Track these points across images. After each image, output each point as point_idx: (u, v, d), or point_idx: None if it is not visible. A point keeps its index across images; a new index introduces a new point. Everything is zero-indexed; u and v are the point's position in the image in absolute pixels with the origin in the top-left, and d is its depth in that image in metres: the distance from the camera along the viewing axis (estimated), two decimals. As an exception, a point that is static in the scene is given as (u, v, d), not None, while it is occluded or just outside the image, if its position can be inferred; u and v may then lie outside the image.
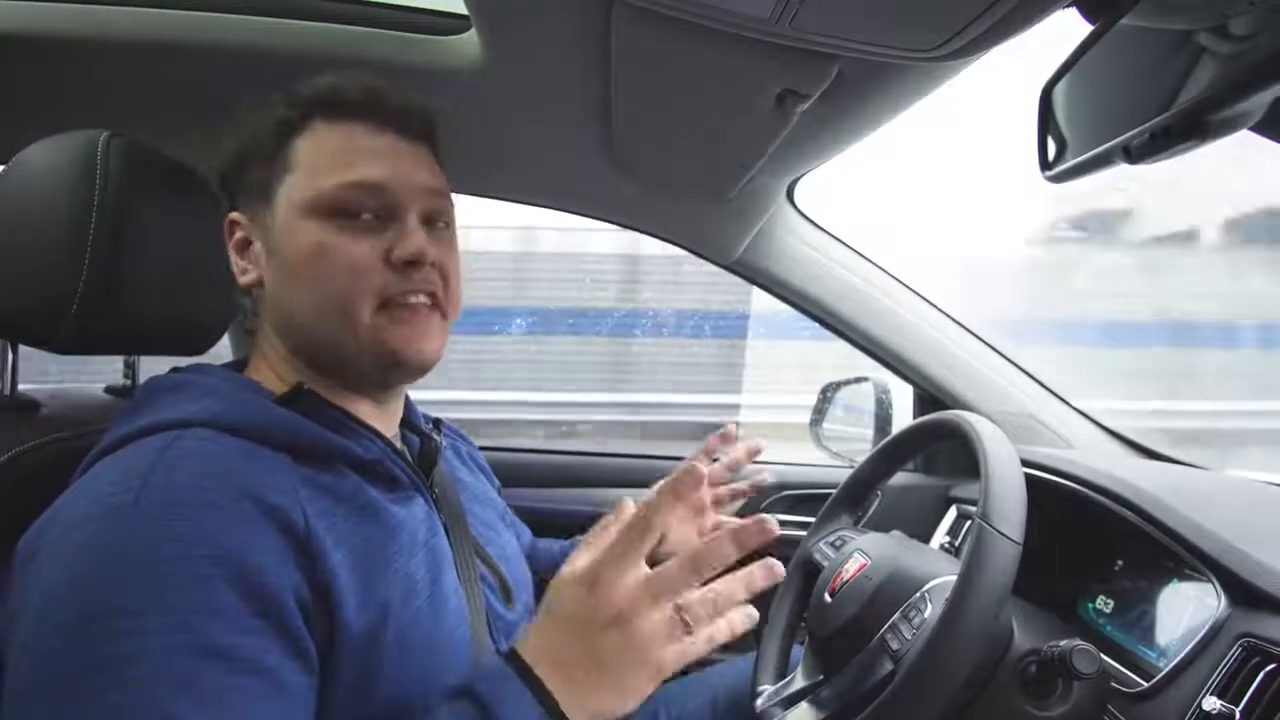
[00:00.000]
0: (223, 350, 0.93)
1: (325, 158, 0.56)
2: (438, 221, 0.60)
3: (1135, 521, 0.74)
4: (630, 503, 0.51)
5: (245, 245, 0.59)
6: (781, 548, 1.04)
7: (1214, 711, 0.56)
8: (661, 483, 0.57)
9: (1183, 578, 0.71)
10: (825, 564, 0.78)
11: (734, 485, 0.83)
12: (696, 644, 0.45)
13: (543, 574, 0.83)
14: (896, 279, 1.15)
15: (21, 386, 0.65)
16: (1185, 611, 0.68)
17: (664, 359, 4.07)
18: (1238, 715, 0.55)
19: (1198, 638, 0.62)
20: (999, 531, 0.56)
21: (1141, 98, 0.43)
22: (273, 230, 0.56)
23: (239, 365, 0.62)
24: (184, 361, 0.61)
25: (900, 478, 1.09)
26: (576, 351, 4.08)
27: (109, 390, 0.77)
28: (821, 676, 0.69)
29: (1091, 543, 0.83)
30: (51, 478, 0.50)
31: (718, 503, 0.83)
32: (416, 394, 0.70)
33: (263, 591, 0.44)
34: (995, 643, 0.60)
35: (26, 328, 0.59)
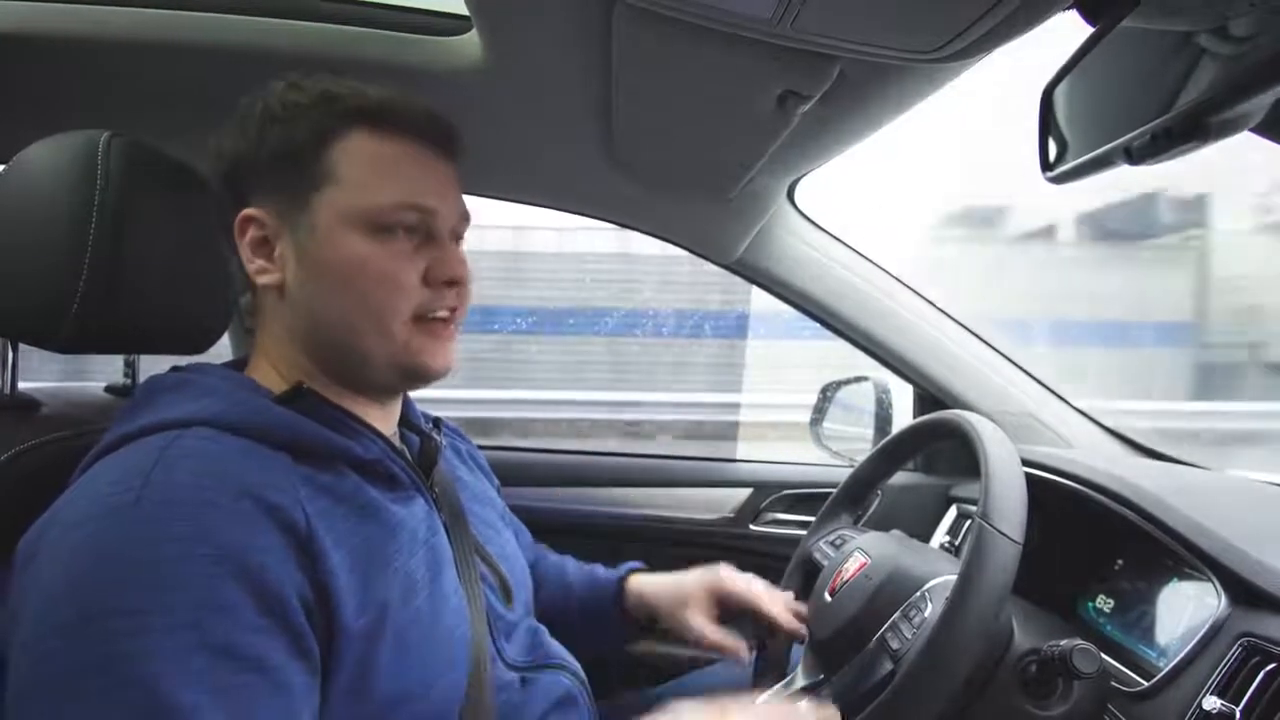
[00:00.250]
0: (222, 350, 0.93)
1: (375, 173, 0.56)
2: (458, 238, 0.63)
3: (1135, 521, 0.74)
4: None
5: (263, 244, 0.57)
6: (782, 547, 1.06)
7: (1214, 711, 0.56)
8: None
9: (1183, 577, 0.71)
10: (825, 563, 0.79)
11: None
12: None
13: (550, 590, 0.84)
14: (896, 279, 1.15)
15: (21, 385, 0.65)
16: (1185, 611, 0.68)
17: (664, 359, 4.08)
18: (1238, 715, 0.55)
19: (1198, 637, 0.62)
20: (999, 531, 0.56)
21: (1142, 99, 0.43)
22: (309, 236, 0.56)
23: (239, 365, 0.62)
24: (184, 361, 0.61)
25: (900, 477, 1.09)
26: (576, 351, 4.08)
27: (109, 389, 0.77)
28: (821, 676, 0.69)
29: (1091, 542, 0.83)
30: (52, 477, 0.50)
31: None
32: (416, 392, 0.70)
33: (267, 590, 0.44)
34: (995, 642, 0.60)
35: (27, 327, 0.59)
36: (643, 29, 0.61)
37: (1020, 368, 1.16)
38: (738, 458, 1.33)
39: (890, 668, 0.60)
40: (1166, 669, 0.63)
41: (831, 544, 0.83)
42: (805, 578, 0.84)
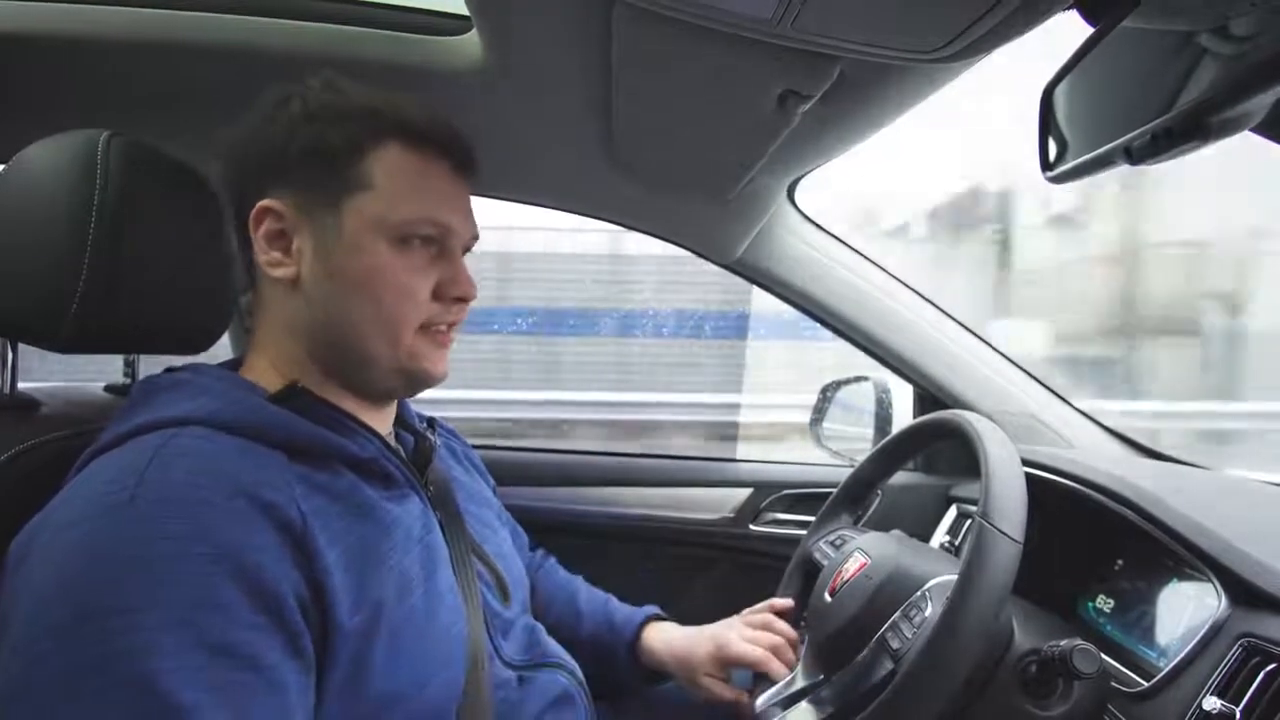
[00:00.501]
0: (222, 350, 0.93)
1: (406, 186, 0.58)
2: (466, 252, 0.65)
3: (1135, 521, 0.74)
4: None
5: (279, 236, 0.57)
6: (782, 547, 1.05)
7: (1214, 711, 0.56)
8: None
9: (1183, 577, 0.71)
10: (825, 563, 0.79)
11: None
12: None
13: (559, 612, 0.84)
14: (897, 279, 1.15)
15: (21, 385, 0.65)
16: (1185, 611, 0.68)
17: (664, 359, 4.08)
18: (1238, 715, 0.55)
19: (1198, 637, 0.62)
20: (999, 530, 0.56)
21: (1143, 99, 0.43)
22: (334, 237, 0.56)
23: (234, 364, 0.62)
24: (179, 361, 0.61)
25: (900, 477, 1.09)
26: (576, 351, 4.08)
27: (109, 389, 0.77)
28: (821, 676, 0.69)
29: (1092, 542, 0.83)
30: (51, 477, 0.50)
31: None
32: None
33: (263, 588, 0.44)
34: (995, 642, 0.60)
35: (27, 327, 0.59)
36: (643, 29, 0.61)
37: (1021, 368, 1.16)
38: (738, 457, 1.33)
39: (890, 667, 0.60)
40: (1166, 669, 0.63)
41: (831, 544, 0.82)
42: (805, 578, 0.84)
